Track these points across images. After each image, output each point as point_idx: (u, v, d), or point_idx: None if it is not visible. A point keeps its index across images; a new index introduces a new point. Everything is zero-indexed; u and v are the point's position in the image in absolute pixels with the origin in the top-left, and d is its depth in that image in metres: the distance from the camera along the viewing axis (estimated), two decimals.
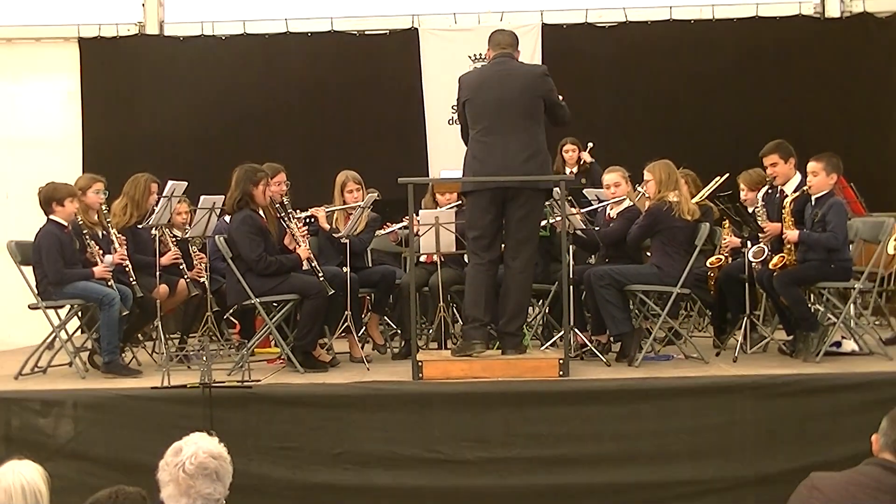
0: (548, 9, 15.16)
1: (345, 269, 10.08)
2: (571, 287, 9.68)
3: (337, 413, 8.57)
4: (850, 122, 14.72)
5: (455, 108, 9.25)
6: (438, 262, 10.29)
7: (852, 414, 8.05)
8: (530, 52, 14.86)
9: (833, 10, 15.02)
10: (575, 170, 13.24)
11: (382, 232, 11.24)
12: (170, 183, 10.29)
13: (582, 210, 10.85)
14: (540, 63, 14.64)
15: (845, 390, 8.48)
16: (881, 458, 5.13)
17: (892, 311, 11.77)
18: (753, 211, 10.27)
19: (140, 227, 10.41)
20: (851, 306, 10.05)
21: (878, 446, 5.17)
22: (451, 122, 13.86)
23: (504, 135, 8.90)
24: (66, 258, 9.64)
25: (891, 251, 10.87)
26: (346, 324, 10.19)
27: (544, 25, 15.09)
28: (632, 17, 15.15)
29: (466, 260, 9.47)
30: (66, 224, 9.72)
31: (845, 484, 5.12)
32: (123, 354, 10.16)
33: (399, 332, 11.24)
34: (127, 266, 9.88)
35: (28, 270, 9.86)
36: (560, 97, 9.17)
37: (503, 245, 9.24)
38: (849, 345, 9.97)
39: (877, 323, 11.53)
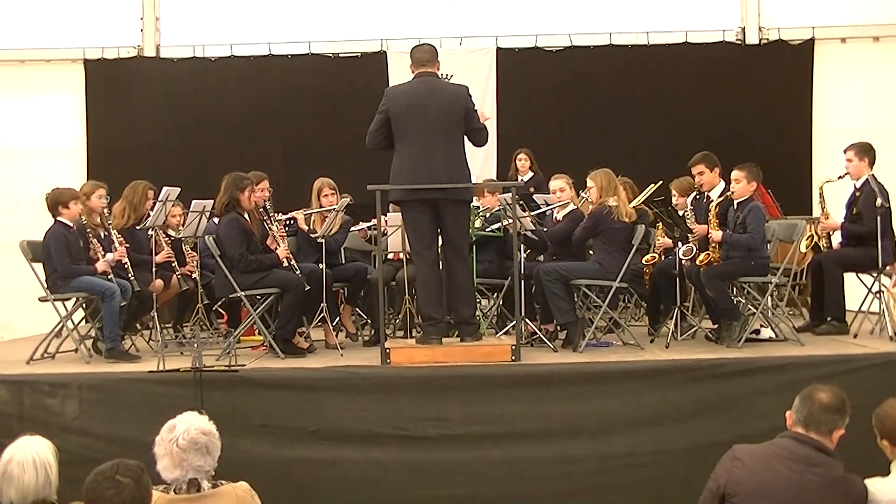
0: (501, 34, 15.17)
1: (321, 265, 10.07)
2: (522, 282, 9.71)
3: (314, 394, 8.54)
4: (768, 135, 14.79)
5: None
6: (404, 260, 10.30)
7: (769, 393, 8.08)
8: (486, 73, 14.94)
9: (752, 38, 15.11)
10: (526, 178, 13.25)
11: (355, 228, 11.23)
12: (165, 188, 10.31)
13: (531, 213, 10.86)
14: (494, 82, 14.75)
15: (763, 372, 8.51)
16: (794, 432, 5.20)
17: (804, 302, 11.83)
18: (683, 214, 10.32)
19: (138, 227, 10.41)
20: (769, 298, 10.09)
21: (791, 421, 5.23)
22: None
23: (431, 149, 8.79)
24: (72, 255, 9.61)
25: (803, 249, 10.93)
26: (321, 314, 10.21)
27: (498, 49, 15.12)
28: (576, 42, 15.18)
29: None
30: (71, 225, 9.69)
31: (763, 454, 5.18)
32: (123, 342, 10.14)
33: (369, 321, 11.21)
34: (126, 263, 9.86)
35: (38, 267, 9.84)
36: (482, 122, 9.13)
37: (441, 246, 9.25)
38: (766, 332, 10.01)
39: (791, 313, 11.56)
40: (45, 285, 9.71)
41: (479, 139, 9.12)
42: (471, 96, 9.05)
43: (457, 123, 8.90)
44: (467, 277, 9.19)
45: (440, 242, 9.18)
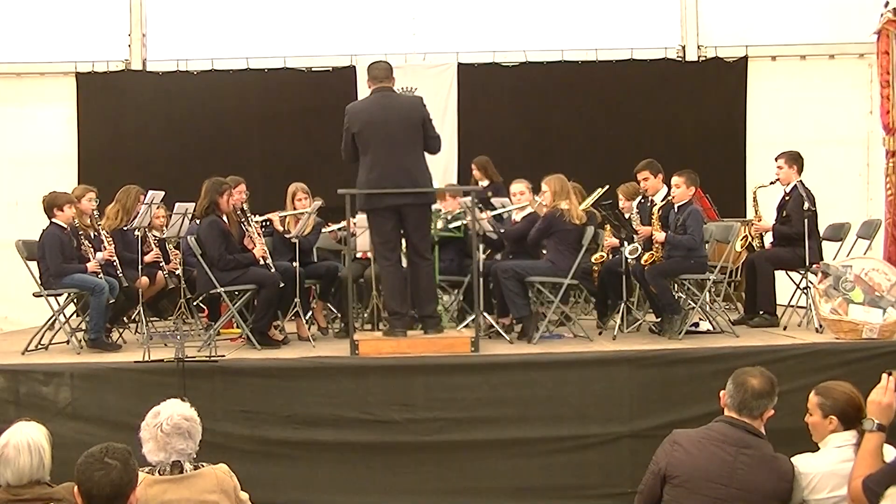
0: (462, 51, 15.13)
1: (294, 264, 10.07)
2: (481, 279, 9.72)
3: (288, 382, 8.54)
4: (707, 144, 14.82)
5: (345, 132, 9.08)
6: (371, 259, 10.29)
7: (707, 380, 8.07)
8: (447, 86, 14.92)
9: (692, 55, 15.14)
10: (485, 183, 13.22)
11: (326, 230, 11.23)
12: (150, 192, 10.32)
13: (490, 213, 10.89)
14: (455, 95, 14.75)
15: (701, 362, 8.55)
16: (727, 416, 5.26)
17: (739, 297, 11.91)
18: (629, 217, 10.36)
19: (126, 228, 10.40)
20: (707, 294, 10.15)
21: (724, 403, 5.29)
22: None
23: (393, 159, 8.80)
24: (65, 254, 9.62)
25: (738, 249, 11.00)
26: (295, 309, 10.21)
27: (459, 64, 15.08)
28: (531, 58, 15.17)
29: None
30: (65, 226, 9.69)
31: (699, 438, 5.23)
32: (111, 334, 10.13)
33: (339, 316, 11.20)
34: (115, 261, 9.85)
35: (33, 264, 9.82)
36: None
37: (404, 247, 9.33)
38: (705, 325, 10.09)
39: (727, 307, 11.64)
40: (40, 282, 9.72)
41: (434, 147, 9.11)
42: (425, 106, 9.08)
43: (415, 132, 8.91)
44: (429, 275, 9.22)
45: (403, 244, 9.23)
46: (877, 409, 4.99)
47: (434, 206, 9.59)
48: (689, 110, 15.11)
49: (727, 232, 10.41)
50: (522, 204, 10.59)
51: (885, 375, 5.02)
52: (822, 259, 10.01)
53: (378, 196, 8.83)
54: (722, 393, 5.36)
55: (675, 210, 9.91)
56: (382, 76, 9.09)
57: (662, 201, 10.11)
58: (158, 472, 4.92)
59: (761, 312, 10.28)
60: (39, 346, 9.77)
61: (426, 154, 9.07)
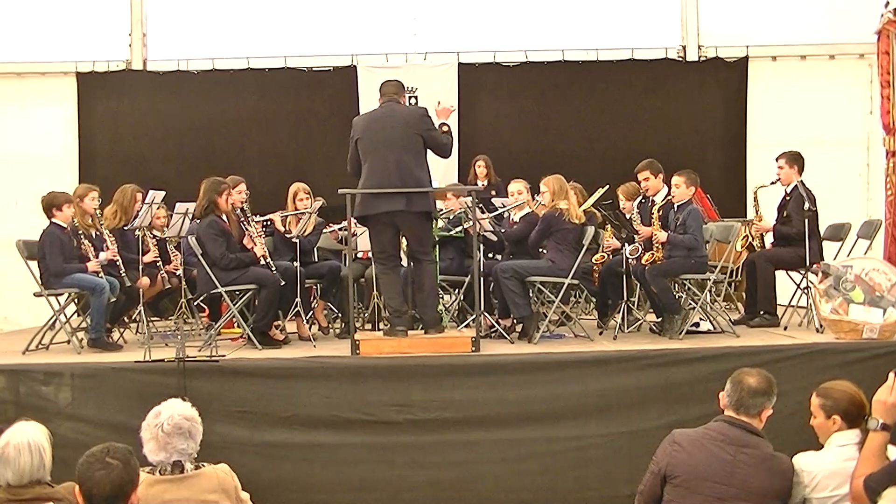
0: (463, 50, 15.14)
1: (295, 263, 10.08)
2: (482, 279, 9.73)
3: (288, 382, 8.53)
4: (707, 143, 14.87)
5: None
6: (372, 258, 10.31)
7: (706, 380, 8.08)
8: (448, 86, 14.89)
9: (692, 55, 15.14)
10: (485, 183, 13.23)
11: (327, 230, 11.25)
12: (150, 192, 10.33)
13: (490, 215, 10.90)
14: (456, 95, 14.72)
15: (701, 361, 8.54)
16: (727, 416, 5.28)
17: (739, 297, 11.91)
18: (630, 217, 10.37)
19: (126, 228, 10.41)
20: (707, 294, 10.15)
21: (723, 403, 5.31)
22: None
23: (391, 164, 8.82)
24: (65, 254, 9.63)
25: (738, 249, 11.00)
26: (295, 309, 10.22)
27: (460, 64, 15.09)
28: (532, 58, 15.18)
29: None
30: (65, 226, 9.71)
31: (699, 438, 5.24)
32: (112, 334, 10.14)
33: (340, 315, 11.22)
34: (118, 261, 9.87)
35: (33, 264, 9.83)
36: (444, 130, 9.12)
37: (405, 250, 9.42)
38: (705, 325, 10.09)
39: (727, 307, 11.65)
40: (40, 281, 9.73)
41: (444, 152, 9.16)
42: (429, 117, 9.09)
43: (414, 139, 8.92)
44: (431, 275, 9.24)
45: (404, 242, 9.27)
46: (882, 409, 5.00)
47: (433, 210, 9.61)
48: (690, 110, 15.14)
49: (727, 232, 10.41)
50: (519, 202, 10.61)
51: (891, 374, 5.02)
52: (822, 259, 10.02)
53: (373, 203, 8.86)
54: (721, 394, 5.38)
55: (675, 210, 9.92)
56: (392, 92, 9.18)
57: (663, 201, 10.11)
58: (159, 471, 4.94)
59: (762, 312, 10.29)
60: (40, 346, 9.79)
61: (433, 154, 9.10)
